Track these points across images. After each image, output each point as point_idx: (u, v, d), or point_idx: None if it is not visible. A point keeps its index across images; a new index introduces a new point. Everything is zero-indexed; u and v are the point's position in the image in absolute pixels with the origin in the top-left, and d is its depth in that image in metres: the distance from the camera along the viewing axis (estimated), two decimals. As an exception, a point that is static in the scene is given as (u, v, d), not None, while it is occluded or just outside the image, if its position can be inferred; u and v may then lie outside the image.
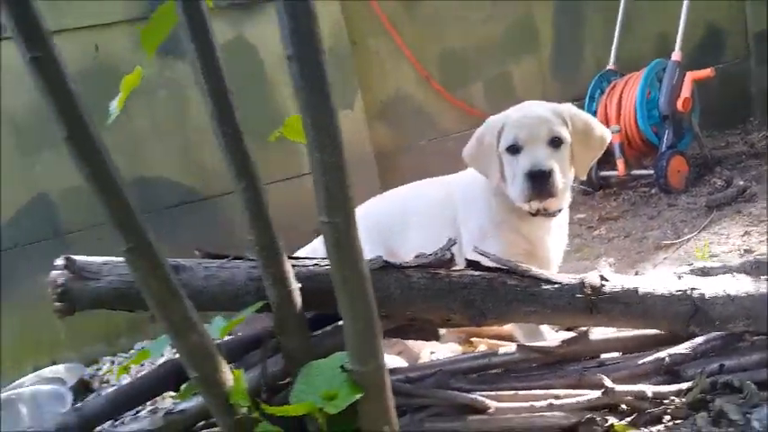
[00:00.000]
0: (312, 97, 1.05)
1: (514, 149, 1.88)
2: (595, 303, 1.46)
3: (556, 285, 1.47)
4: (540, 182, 1.81)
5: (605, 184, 4.14)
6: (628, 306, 1.48)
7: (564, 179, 1.87)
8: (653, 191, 3.81)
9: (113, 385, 2.89)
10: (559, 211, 2.00)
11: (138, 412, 2.11)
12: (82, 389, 2.89)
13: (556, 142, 1.87)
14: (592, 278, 1.47)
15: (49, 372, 3.06)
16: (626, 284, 1.50)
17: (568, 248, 3.17)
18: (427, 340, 1.72)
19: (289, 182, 3.43)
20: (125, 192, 1.15)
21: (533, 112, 1.91)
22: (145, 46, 1.26)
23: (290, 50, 1.03)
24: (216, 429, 1.60)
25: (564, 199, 2.00)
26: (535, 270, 1.49)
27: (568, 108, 1.96)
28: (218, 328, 1.38)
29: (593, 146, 1.98)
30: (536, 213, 1.96)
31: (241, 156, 1.26)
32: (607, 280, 1.49)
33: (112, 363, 3.12)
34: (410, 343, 2.18)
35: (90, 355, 3.20)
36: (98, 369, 3.10)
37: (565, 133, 1.88)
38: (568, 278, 1.49)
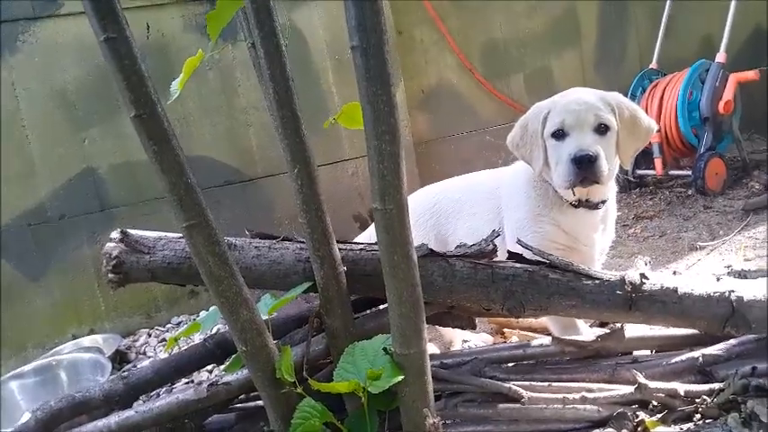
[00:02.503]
0: (373, 87, 1.09)
1: (560, 135, 1.86)
2: (635, 300, 1.48)
3: (597, 281, 1.50)
4: (585, 167, 1.77)
5: (642, 182, 4.13)
6: (666, 305, 1.50)
7: (609, 166, 1.83)
8: (689, 192, 3.79)
9: (149, 356, 2.98)
10: (603, 202, 1.96)
11: (172, 386, 2.19)
12: (118, 359, 2.99)
13: (602, 129, 1.85)
14: (632, 275, 1.49)
15: (87, 341, 3.17)
16: (665, 283, 1.51)
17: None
18: (464, 329, 1.75)
19: (329, 167, 3.49)
20: (188, 170, 1.20)
21: (580, 98, 1.89)
22: (210, 29, 1.31)
23: (354, 41, 1.07)
24: (255, 403, 1.67)
25: (608, 189, 1.97)
26: (576, 265, 1.51)
27: (616, 96, 1.94)
28: (266, 306, 1.43)
29: (639, 135, 1.95)
30: (578, 205, 1.93)
31: (297, 140, 1.30)
32: (647, 278, 1.50)
33: (149, 335, 3.21)
34: (442, 330, 2.22)
35: (128, 326, 3.29)
36: (135, 341, 3.19)
37: (612, 120, 1.85)
38: (609, 274, 1.51)
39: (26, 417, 2.52)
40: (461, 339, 2.25)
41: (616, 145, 1.89)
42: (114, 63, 1.12)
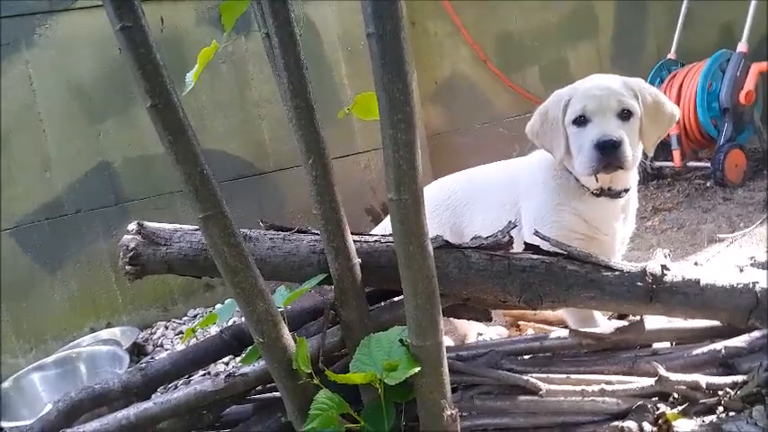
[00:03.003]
0: (389, 75, 1.07)
1: (582, 121, 1.83)
2: (656, 292, 1.46)
3: (617, 272, 1.47)
4: (609, 153, 1.74)
5: (660, 174, 4.08)
6: (687, 296, 1.48)
7: (633, 152, 1.79)
8: (708, 183, 3.74)
9: (167, 349, 3.00)
10: (625, 191, 1.92)
11: (190, 377, 2.20)
12: (136, 351, 3.01)
13: (625, 114, 1.81)
14: (653, 267, 1.47)
15: (105, 334, 3.20)
16: (687, 275, 1.49)
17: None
18: (479, 321, 1.73)
19: (341, 161, 3.48)
20: (203, 161, 1.19)
21: (602, 83, 1.85)
22: (225, 19, 1.30)
23: (370, 28, 1.05)
24: (272, 394, 1.67)
25: (631, 177, 1.93)
26: (595, 256, 1.49)
27: (638, 82, 1.90)
28: (282, 298, 1.43)
29: (663, 121, 1.90)
30: (600, 194, 1.90)
31: (312, 131, 1.29)
32: (668, 269, 1.48)
33: (166, 327, 3.23)
34: (456, 323, 2.21)
35: (145, 319, 3.31)
36: (152, 333, 3.21)
37: (635, 106, 1.81)
38: (630, 266, 1.49)
39: (48, 408, 2.57)
40: (476, 332, 2.24)
41: (639, 131, 1.85)
42: (130, 52, 1.11)
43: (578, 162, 1.83)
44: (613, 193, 1.91)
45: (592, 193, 1.90)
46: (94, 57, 3.10)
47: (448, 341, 2.05)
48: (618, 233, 1.97)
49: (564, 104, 1.88)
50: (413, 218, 1.18)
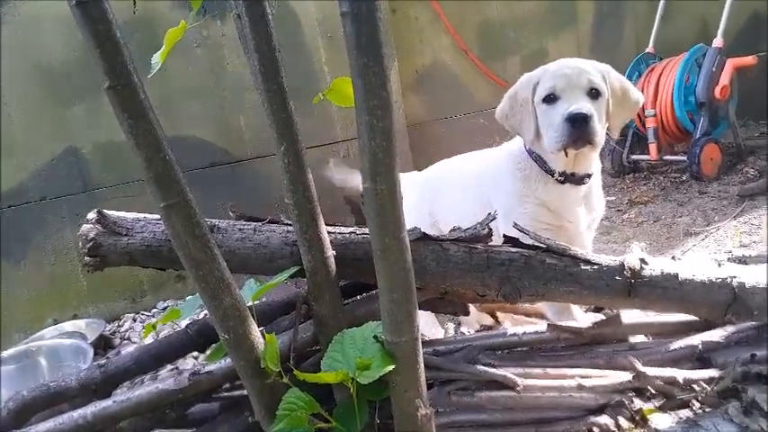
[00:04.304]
0: (364, 58, 1.02)
1: (552, 99, 1.84)
2: (634, 286, 1.42)
3: (595, 266, 1.44)
4: (579, 126, 1.75)
5: (636, 167, 4.09)
6: (666, 291, 1.45)
7: (601, 129, 1.81)
8: (684, 177, 3.76)
9: (134, 342, 2.92)
10: (588, 176, 1.94)
11: (157, 373, 2.13)
12: (102, 345, 2.93)
13: (594, 93, 1.82)
14: (632, 261, 1.44)
15: (69, 326, 3.10)
16: (666, 269, 1.46)
17: (598, 231, 3.15)
18: (456, 315, 1.70)
19: (320, 149, 3.41)
20: (166, 146, 1.12)
21: (572, 62, 1.87)
22: (192, -1, 1.23)
23: (344, 6, 0.99)
24: (240, 392, 1.61)
25: (593, 162, 1.95)
26: (574, 249, 1.46)
27: (606, 66, 1.92)
28: (250, 292, 1.36)
29: (629, 106, 1.94)
30: (564, 180, 1.91)
31: (284, 116, 1.22)
32: (647, 263, 1.45)
33: (134, 320, 3.15)
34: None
35: (112, 311, 3.23)
36: (119, 326, 3.13)
37: (603, 86, 1.83)
38: (608, 259, 1.45)
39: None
40: (453, 326, 2.21)
41: (606, 113, 1.87)
42: (87, 29, 1.03)
43: (548, 138, 1.84)
44: (576, 179, 1.92)
45: (556, 180, 1.91)
46: (62, 40, 2.98)
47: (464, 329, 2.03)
48: (582, 219, 1.98)
49: (534, 85, 1.89)
50: (389, 209, 1.13)
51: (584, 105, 1.77)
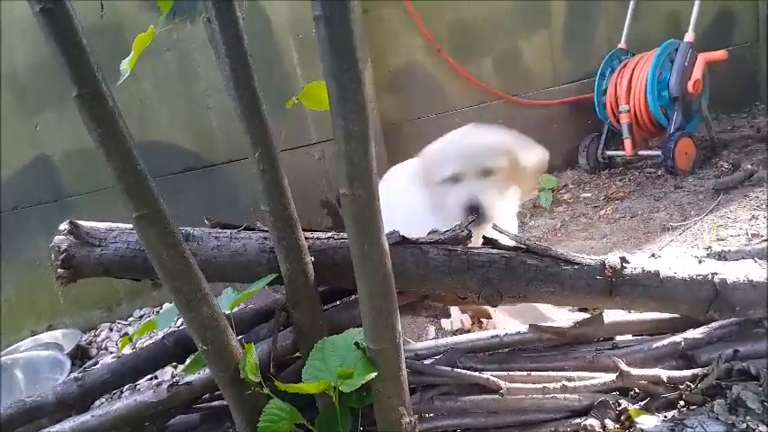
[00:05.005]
0: (339, 61, 0.99)
1: (452, 180, 1.95)
2: (615, 285, 1.42)
3: (576, 266, 1.43)
4: (473, 212, 1.83)
5: (611, 163, 4.12)
6: (647, 289, 1.45)
7: (500, 204, 1.94)
8: (659, 172, 3.78)
9: (111, 352, 2.86)
10: None
11: (136, 384, 2.09)
12: (79, 355, 2.87)
13: (488, 172, 1.93)
14: (613, 260, 1.43)
15: (46, 337, 3.03)
16: (647, 267, 1.46)
17: (576, 227, 3.17)
18: (436, 318, 1.68)
19: (293, 152, 3.38)
20: (137, 155, 1.09)
21: (469, 145, 1.99)
22: (161, 2, 1.19)
23: (317, 10, 0.97)
24: (221, 402, 1.58)
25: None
26: (555, 249, 1.45)
27: (501, 142, 2.02)
28: (228, 301, 1.34)
29: (524, 173, 2.04)
30: None
31: (258, 122, 1.20)
32: (628, 262, 1.45)
33: (110, 329, 3.09)
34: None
35: (88, 321, 3.16)
36: (96, 335, 3.07)
37: (498, 164, 1.94)
38: (589, 259, 1.45)
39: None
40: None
41: (507, 182, 1.98)
42: (52, 36, 1.00)
43: (444, 219, 1.90)
44: None
45: None
46: (29, 45, 2.91)
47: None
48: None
49: (436, 162, 2.00)
50: (367, 214, 1.11)
51: (478, 193, 1.89)
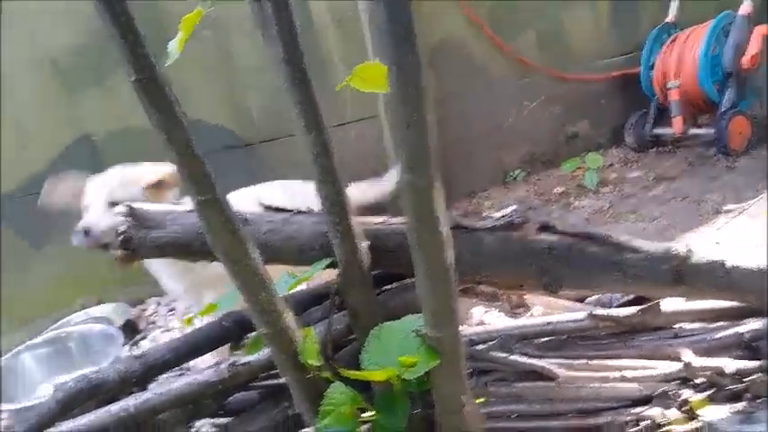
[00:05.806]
0: (399, 43, 0.96)
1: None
2: (681, 274, 1.37)
3: (640, 254, 1.38)
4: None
5: (659, 142, 3.98)
6: (713, 278, 1.40)
7: None
8: (710, 151, 3.65)
9: (160, 327, 2.92)
10: None
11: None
12: (129, 330, 2.93)
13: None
14: (679, 248, 1.38)
15: (97, 311, 3.10)
16: (712, 256, 1.41)
17: (624, 209, 3.09)
18: (485, 302, 1.67)
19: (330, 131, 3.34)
20: (193, 141, 1.09)
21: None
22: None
23: (376, -8, 0.94)
24: (278, 381, 1.58)
25: None
26: (617, 237, 1.40)
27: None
28: (285, 284, 1.34)
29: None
30: None
31: (310, 104, 1.19)
32: (693, 251, 1.40)
33: (158, 303, 3.14)
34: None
35: (137, 295, 3.22)
36: (144, 310, 3.13)
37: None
38: (654, 247, 1.40)
39: (42, 389, 2.49)
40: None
41: None
42: (111, 22, 1.00)
43: None
44: None
45: None
46: (67, 28, 2.94)
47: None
48: None
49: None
50: (427, 203, 1.08)
51: None
